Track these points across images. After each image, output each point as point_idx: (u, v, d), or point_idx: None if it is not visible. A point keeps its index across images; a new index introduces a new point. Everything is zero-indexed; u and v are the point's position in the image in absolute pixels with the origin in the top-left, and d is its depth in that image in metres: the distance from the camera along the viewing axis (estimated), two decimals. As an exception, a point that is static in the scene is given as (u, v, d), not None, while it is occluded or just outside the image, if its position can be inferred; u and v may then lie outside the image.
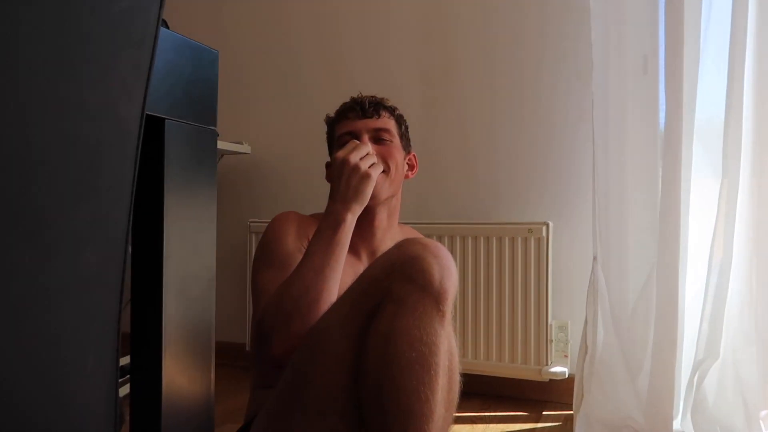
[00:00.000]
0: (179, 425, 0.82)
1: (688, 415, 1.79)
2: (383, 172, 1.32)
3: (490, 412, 2.15)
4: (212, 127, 0.87)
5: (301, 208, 1.54)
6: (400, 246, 1.09)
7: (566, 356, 2.19)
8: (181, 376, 0.83)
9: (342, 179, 1.21)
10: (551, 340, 2.17)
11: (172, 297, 0.80)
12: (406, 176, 1.46)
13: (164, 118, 0.80)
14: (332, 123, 1.43)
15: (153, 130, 0.79)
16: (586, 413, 1.90)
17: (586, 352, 1.95)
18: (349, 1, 2.61)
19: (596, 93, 1.96)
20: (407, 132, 1.46)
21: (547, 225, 2.19)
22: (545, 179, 2.31)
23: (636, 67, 1.91)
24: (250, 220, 2.59)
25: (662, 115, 1.85)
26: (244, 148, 2.60)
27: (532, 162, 2.33)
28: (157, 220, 0.79)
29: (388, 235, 1.41)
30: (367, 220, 1.35)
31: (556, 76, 2.29)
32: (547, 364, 2.17)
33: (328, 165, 1.47)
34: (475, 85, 2.41)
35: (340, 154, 1.24)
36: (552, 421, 2.07)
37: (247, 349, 2.49)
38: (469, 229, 2.27)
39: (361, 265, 1.35)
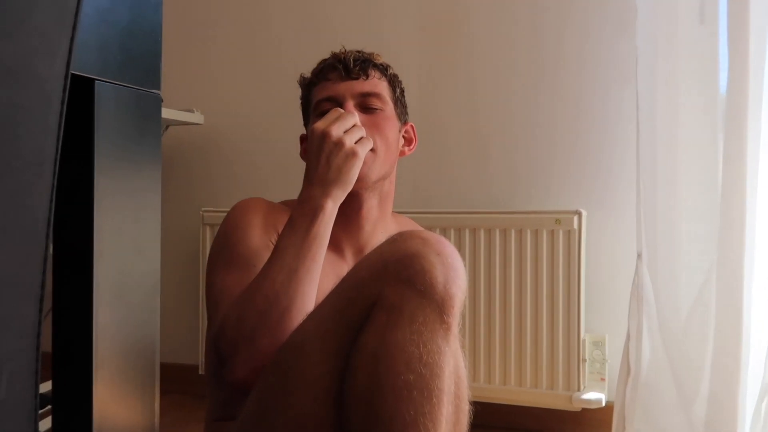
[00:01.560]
0: (115, 467, 0.83)
1: (756, 452, 1.81)
2: (372, 149, 1.32)
3: (507, 449, 2.16)
4: (155, 91, 0.87)
5: (268, 194, 1.54)
6: (395, 241, 1.09)
7: (603, 379, 2.20)
8: (116, 405, 0.83)
9: (321, 157, 1.21)
10: (584, 360, 2.19)
11: (104, 306, 0.80)
12: (402, 153, 1.46)
13: (94, 79, 0.79)
14: (308, 86, 1.43)
15: (80, 93, 0.79)
16: (628, 450, 1.91)
17: (628, 374, 1.96)
18: (328, -70, 2.61)
19: (641, 47, 1.97)
20: (403, 97, 1.46)
21: (579, 214, 2.20)
22: (576, 156, 2.32)
23: (691, 14, 1.91)
24: (204, 208, 2.59)
25: (723, 75, 1.86)
26: (196, 117, 2.59)
27: (560, 135, 2.33)
28: (86, 209, 0.79)
29: (380, 227, 1.41)
30: (352, 208, 1.36)
31: (589, 24, 2.30)
32: (579, 390, 2.18)
33: (303, 139, 1.47)
34: (489, 37, 2.41)
35: (319, 125, 1.24)
36: (585, 461, 2.09)
37: (201, 372, 2.49)
38: (481, 219, 2.28)
39: (345, 265, 1.36)
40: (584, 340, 2.19)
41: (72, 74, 0.63)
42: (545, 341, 2.20)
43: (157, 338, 0.85)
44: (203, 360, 2.38)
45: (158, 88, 0.85)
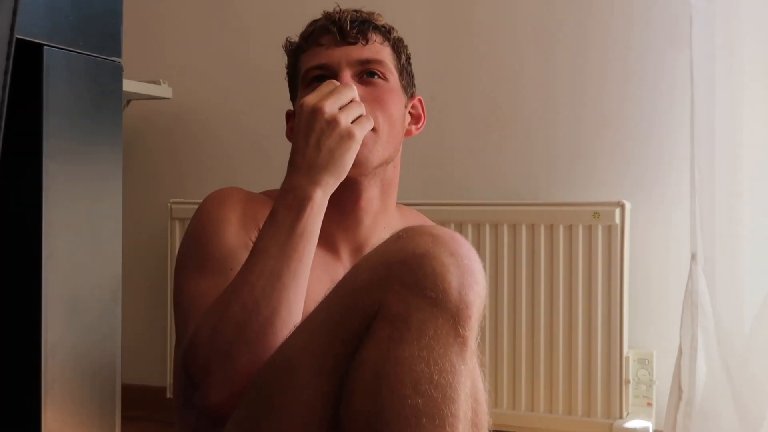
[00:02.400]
0: (69, 508, 0.83)
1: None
2: (373, 128, 1.32)
3: (535, 488, 2.17)
4: (115, 59, 0.87)
5: (247, 183, 1.55)
6: (400, 238, 1.09)
7: (650, 404, 2.21)
8: (70, 434, 0.84)
9: (310, 137, 1.21)
10: (628, 381, 2.19)
11: (56, 318, 0.80)
12: (409, 132, 1.46)
13: (42, 44, 0.80)
14: (296, 52, 1.43)
15: (26, 61, 0.79)
16: (680, 489, 1.92)
17: (679, 398, 1.97)
18: None
19: (696, 5, 1.97)
20: (409, 65, 1.46)
21: (622, 206, 2.20)
22: (618, 137, 2.32)
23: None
24: (173, 200, 2.59)
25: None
26: (163, 90, 2.60)
27: (599, 111, 2.33)
28: (33, 201, 0.80)
29: (381, 221, 1.42)
30: (349, 198, 1.36)
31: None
32: (621, 417, 2.18)
33: (289, 116, 1.47)
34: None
35: (309, 99, 1.24)
36: (628, 502, 2.10)
37: (169, 395, 2.50)
38: (503, 213, 2.28)
39: (341, 267, 1.36)
40: (628, 358, 2.19)
41: (17, 39, 0.63)
42: (581, 359, 2.20)
43: (118, 355, 0.86)
44: (172, 381, 2.39)
45: (119, 55, 0.86)
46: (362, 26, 1.39)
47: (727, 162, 1.96)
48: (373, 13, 1.43)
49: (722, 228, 1.96)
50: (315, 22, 1.42)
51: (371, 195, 1.39)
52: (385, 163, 1.38)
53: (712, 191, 1.96)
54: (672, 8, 2.23)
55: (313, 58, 1.39)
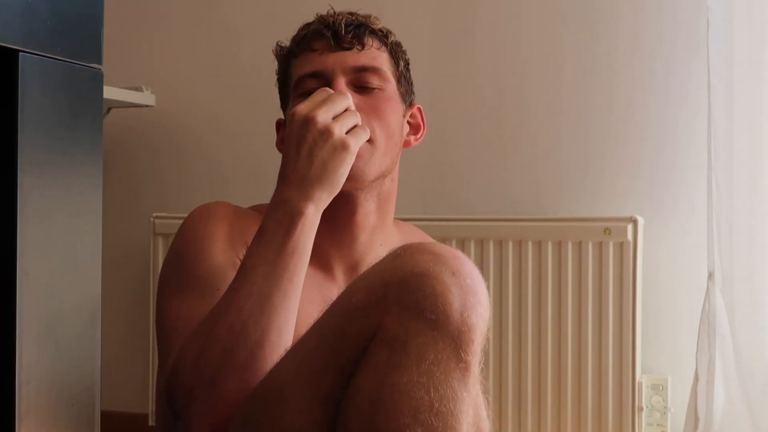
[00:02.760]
0: None
1: None
2: (369, 139, 1.32)
3: None
4: (95, 66, 0.87)
5: (235, 197, 1.55)
6: (398, 256, 1.10)
7: (665, 431, 2.21)
8: (46, 465, 0.84)
9: (302, 149, 1.21)
10: (641, 408, 2.19)
11: (31, 341, 0.80)
12: (407, 143, 1.47)
13: (18, 50, 0.80)
14: (287, 58, 1.44)
15: (1, 68, 0.79)
16: None
17: (696, 427, 1.96)
18: None
19: (713, 8, 1.97)
20: (408, 72, 1.47)
21: (635, 222, 2.20)
22: (631, 149, 2.32)
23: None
24: (156, 214, 2.59)
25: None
26: (145, 97, 2.60)
27: (610, 121, 2.34)
28: (7, 216, 0.80)
29: (378, 237, 1.42)
30: (344, 213, 1.36)
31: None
32: (634, 446, 2.18)
33: (280, 125, 1.48)
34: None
35: (301, 108, 1.24)
36: None
37: (152, 423, 2.49)
38: (509, 229, 2.28)
39: (335, 287, 1.36)
40: (641, 383, 2.19)
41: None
42: (591, 384, 2.20)
43: (97, 380, 0.86)
44: (154, 408, 2.38)
45: (99, 61, 0.86)
46: (358, 30, 1.39)
47: (746, 174, 1.96)
48: (370, 16, 1.43)
49: (741, 245, 1.96)
50: (308, 25, 1.42)
51: (367, 210, 1.39)
52: (382, 176, 1.38)
53: (731, 205, 1.96)
54: (688, 11, 2.24)
55: (305, 64, 1.39)
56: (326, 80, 1.35)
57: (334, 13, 1.41)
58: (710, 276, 1.97)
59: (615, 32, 2.33)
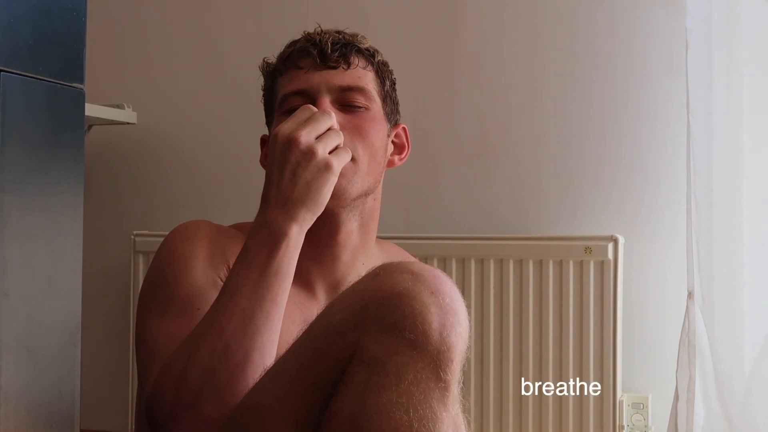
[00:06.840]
0: None
1: None
2: (353, 158, 1.32)
3: None
4: (77, 85, 0.87)
5: (218, 216, 1.55)
6: (378, 275, 1.09)
7: (645, 452, 2.21)
8: (23, 486, 0.83)
9: (285, 169, 1.21)
10: (622, 427, 2.19)
11: (9, 361, 0.80)
12: (391, 163, 1.47)
13: (0, 70, 0.80)
14: (273, 75, 1.44)
15: (-19, 88, 0.79)
16: None
17: (676, 446, 1.97)
18: None
19: (693, 30, 1.98)
20: (394, 92, 1.47)
21: (615, 241, 2.21)
22: (611, 168, 2.33)
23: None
24: (136, 232, 2.58)
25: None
26: (127, 114, 2.59)
27: (590, 140, 2.35)
28: (-13, 234, 0.79)
29: (360, 256, 1.42)
30: (326, 232, 1.36)
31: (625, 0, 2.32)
32: (614, 465, 2.18)
33: (264, 141, 1.48)
34: (503, 20, 2.42)
35: (285, 128, 1.24)
36: None
37: (131, 441, 2.48)
38: (489, 247, 2.28)
39: (317, 306, 1.36)
40: (621, 402, 2.19)
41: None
42: (572, 403, 2.20)
43: (76, 401, 0.85)
44: (134, 429, 2.37)
45: (81, 81, 0.85)
46: (344, 49, 1.39)
47: (725, 194, 1.97)
48: (357, 35, 1.43)
49: (721, 264, 1.96)
50: (294, 43, 1.42)
51: (350, 228, 1.39)
52: (365, 194, 1.38)
53: (710, 225, 1.97)
54: (667, 33, 2.25)
55: (290, 82, 1.39)
56: (311, 98, 1.35)
57: (321, 31, 1.41)
58: (690, 295, 1.98)
59: (595, 54, 2.35)
